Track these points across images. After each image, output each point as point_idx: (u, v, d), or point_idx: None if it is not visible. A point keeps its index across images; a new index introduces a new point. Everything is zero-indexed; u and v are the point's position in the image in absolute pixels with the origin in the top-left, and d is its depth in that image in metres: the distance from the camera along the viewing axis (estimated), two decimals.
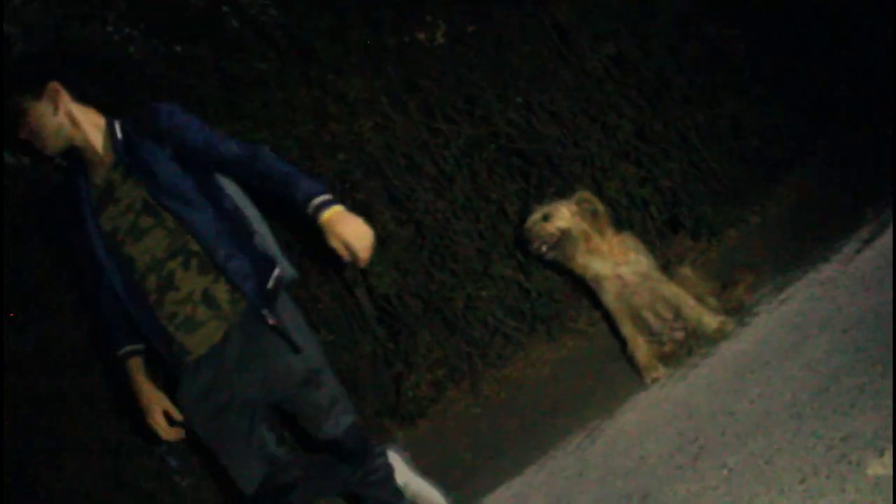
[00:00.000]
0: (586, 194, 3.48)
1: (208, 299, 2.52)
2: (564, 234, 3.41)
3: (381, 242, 3.92)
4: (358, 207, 3.89)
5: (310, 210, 2.37)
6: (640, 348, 3.44)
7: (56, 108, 2.53)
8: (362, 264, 2.39)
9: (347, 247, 2.34)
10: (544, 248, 3.46)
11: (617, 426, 3.19)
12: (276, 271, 2.55)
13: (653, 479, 2.68)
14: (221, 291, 2.53)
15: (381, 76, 3.93)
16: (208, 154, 2.55)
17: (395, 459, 2.96)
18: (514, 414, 3.81)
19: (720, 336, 3.29)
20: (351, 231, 2.34)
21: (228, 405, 2.57)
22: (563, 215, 3.42)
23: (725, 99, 3.95)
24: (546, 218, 3.44)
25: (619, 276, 3.41)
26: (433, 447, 3.95)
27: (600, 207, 3.45)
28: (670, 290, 3.39)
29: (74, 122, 2.56)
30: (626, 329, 3.46)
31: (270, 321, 2.48)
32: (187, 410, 2.61)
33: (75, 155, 2.61)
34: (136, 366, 2.62)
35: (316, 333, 2.95)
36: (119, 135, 2.57)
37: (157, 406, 2.61)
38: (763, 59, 3.97)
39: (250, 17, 4.06)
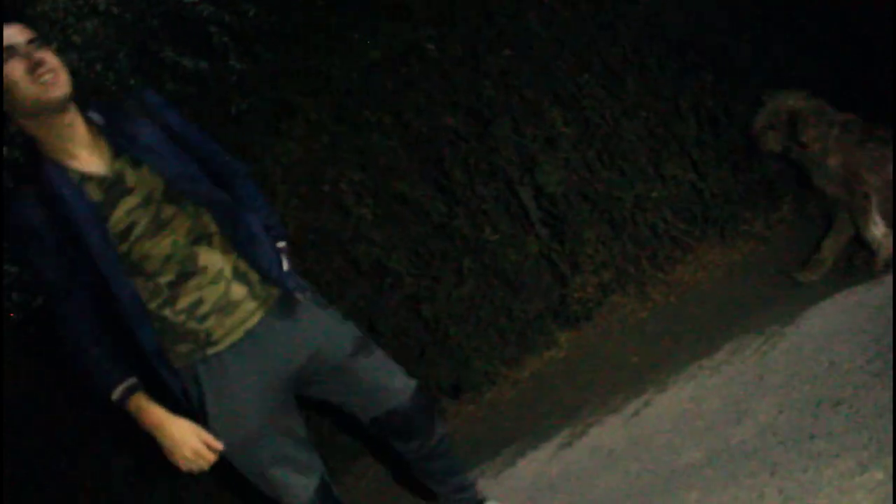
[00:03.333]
0: (787, 107, 3.23)
1: (240, 275, 2.27)
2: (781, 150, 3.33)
3: (548, 142, 3.83)
4: (525, 106, 3.83)
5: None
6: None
7: None
8: None
9: None
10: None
11: (801, 331, 3.01)
12: (283, 244, 2.43)
13: (846, 386, 2.54)
14: (250, 270, 2.30)
15: None
16: (202, 150, 2.34)
17: None
18: (684, 318, 3.68)
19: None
20: None
21: (285, 397, 2.35)
22: (775, 135, 3.29)
23: None
24: (772, 124, 3.29)
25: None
26: (598, 350, 3.89)
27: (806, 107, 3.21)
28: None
29: None
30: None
31: (301, 297, 2.35)
32: (237, 413, 2.26)
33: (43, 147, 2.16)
34: (144, 399, 2.18)
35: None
36: (99, 120, 2.21)
37: (193, 434, 2.19)
38: None
39: None
